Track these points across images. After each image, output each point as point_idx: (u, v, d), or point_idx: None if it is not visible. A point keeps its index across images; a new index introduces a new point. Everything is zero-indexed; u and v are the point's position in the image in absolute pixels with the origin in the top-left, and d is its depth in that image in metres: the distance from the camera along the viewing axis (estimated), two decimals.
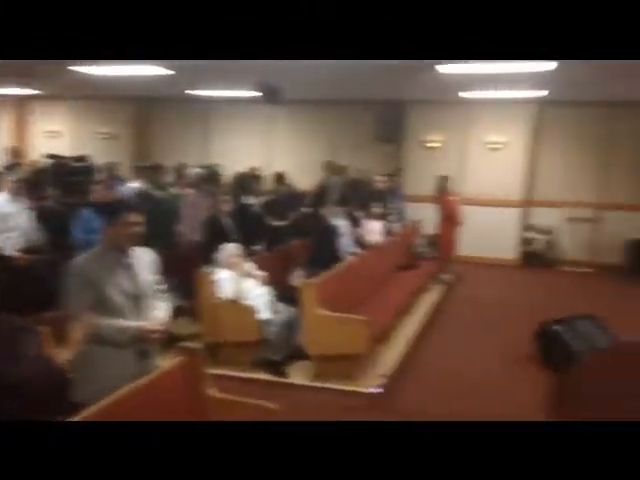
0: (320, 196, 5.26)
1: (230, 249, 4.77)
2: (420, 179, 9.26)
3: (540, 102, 8.86)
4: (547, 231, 9.53)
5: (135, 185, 6.33)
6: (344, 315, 4.49)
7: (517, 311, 6.65)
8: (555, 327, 5.15)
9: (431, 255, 8.03)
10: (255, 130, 10.58)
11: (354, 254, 5.60)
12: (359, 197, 6.66)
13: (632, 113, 8.72)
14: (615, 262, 9.09)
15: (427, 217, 8.38)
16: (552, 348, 5.09)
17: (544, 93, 7.76)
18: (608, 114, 8.83)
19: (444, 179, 7.91)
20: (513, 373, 4.95)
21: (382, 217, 6.69)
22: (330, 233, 5.05)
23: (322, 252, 4.98)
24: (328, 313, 4.44)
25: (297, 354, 4.81)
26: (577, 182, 9.24)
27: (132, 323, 2.73)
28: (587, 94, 8.10)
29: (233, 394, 2.92)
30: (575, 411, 3.75)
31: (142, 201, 5.26)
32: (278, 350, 4.68)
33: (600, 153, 9.09)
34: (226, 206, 5.32)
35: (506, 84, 6.92)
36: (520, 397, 4.43)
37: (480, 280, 8.42)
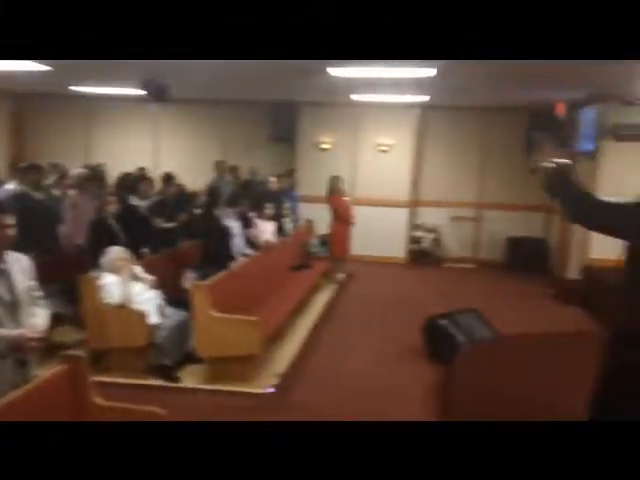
0: (211, 197, 5.17)
1: (116, 252, 4.59)
2: (313, 180, 9.39)
3: (423, 106, 9.30)
4: (433, 230, 10.00)
5: (11, 187, 5.92)
6: (236, 317, 4.46)
7: (406, 307, 6.92)
8: (440, 321, 5.43)
9: (324, 255, 8.15)
10: (142, 129, 10.26)
11: (247, 255, 5.58)
12: (251, 198, 6.65)
13: (504, 117, 9.36)
14: (496, 258, 9.75)
15: (320, 217, 8.52)
16: (438, 342, 5.35)
17: (426, 98, 8.15)
18: (484, 118, 9.43)
19: (335, 179, 8.06)
20: (402, 367, 5.14)
21: (275, 218, 6.71)
22: (222, 234, 4.99)
23: (214, 253, 4.92)
24: (220, 315, 4.39)
25: (189, 358, 4.74)
26: (459, 183, 9.78)
27: (9, 331, 2.57)
28: (464, 100, 8.62)
29: (124, 401, 2.82)
30: (459, 400, 3.99)
31: (19, 203, 4.93)
32: (169, 354, 4.57)
33: (479, 155, 9.70)
34: (112, 208, 5.12)
35: (392, 88, 7.19)
36: (409, 389, 4.63)
37: (371, 278, 8.67)
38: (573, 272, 7.96)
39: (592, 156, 7.59)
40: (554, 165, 2.38)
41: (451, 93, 7.77)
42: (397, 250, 9.92)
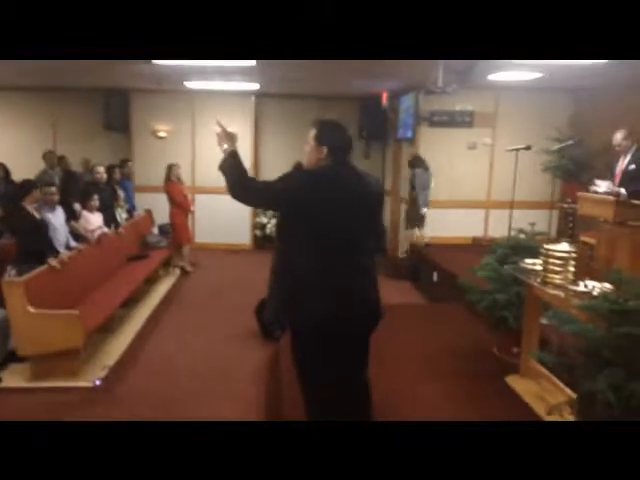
0: (22, 189, 4.90)
1: None
2: (151, 169, 9.21)
3: (257, 94, 9.46)
4: (275, 216, 10.22)
5: None
6: (55, 311, 4.32)
7: (247, 292, 7.03)
8: None
9: (165, 244, 8.05)
10: None
11: (72, 248, 5.38)
12: (78, 189, 6.39)
13: (338, 106, 9.78)
14: None
15: (160, 207, 8.39)
16: (273, 322, 5.57)
17: (256, 86, 8.30)
18: (319, 107, 9.78)
19: (171, 167, 7.97)
20: (236, 348, 5.29)
21: (105, 209, 6.51)
22: (36, 228, 4.77)
23: (29, 248, 4.70)
24: (37, 311, 4.22)
25: (12, 357, 4.52)
26: None
27: None
28: (297, 88, 8.90)
29: None
30: (286, 377, 4.21)
31: None
32: None
33: None
34: None
35: (222, 76, 7.25)
36: (239, 369, 4.80)
37: (215, 266, 8.72)
38: (403, 250, 8.63)
39: (412, 141, 8.24)
40: (227, 148, 2.69)
41: (281, 82, 8.00)
42: (242, 236, 10.05)
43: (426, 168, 7.93)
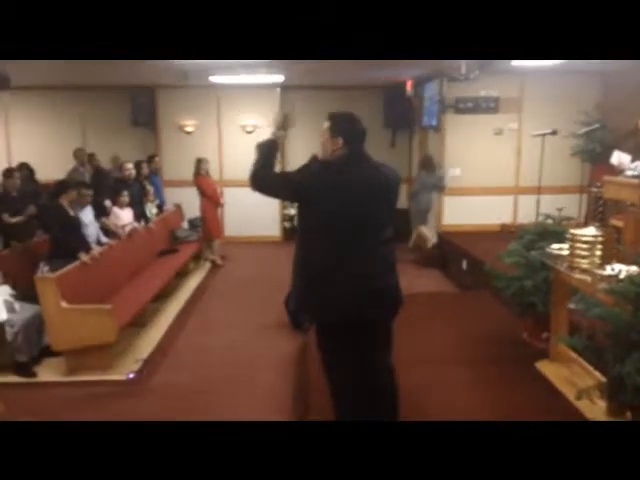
0: (58, 187, 5.05)
1: None
2: (178, 163, 9.35)
3: (283, 87, 9.48)
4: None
5: None
6: (87, 306, 4.44)
7: (277, 284, 7.09)
8: None
9: (195, 238, 8.18)
10: None
11: (103, 244, 5.52)
12: (108, 185, 6.53)
13: (363, 95, 9.76)
14: None
15: (189, 201, 8.52)
16: (298, 311, 5.62)
17: (281, 78, 8.33)
18: (344, 97, 9.77)
19: (201, 161, 8.07)
20: (265, 340, 5.36)
21: (135, 204, 6.64)
22: (69, 224, 4.91)
23: (62, 245, 4.83)
24: (70, 306, 4.35)
25: (47, 352, 4.66)
26: None
27: None
28: (322, 79, 8.90)
29: None
30: (314, 367, 4.26)
31: None
32: (24, 351, 4.46)
33: None
34: None
35: (246, 69, 7.29)
36: (268, 359, 4.86)
37: (245, 259, 8.81)
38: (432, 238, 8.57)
39: (437, 129, 8.18)
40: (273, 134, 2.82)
41: (306, 74, 8.01)
42: (272, 229, 10.12)
43: (433, 169, 7.89)
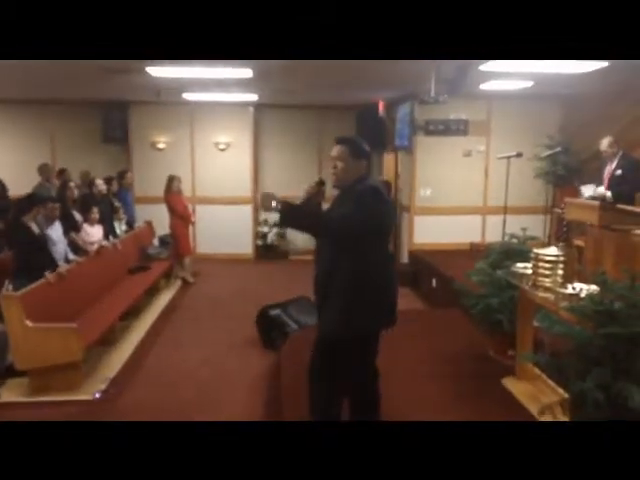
0: (23, 203, 4.98)
1: None
2: (150, 180, 9.31)
3: (256, 105, 9.56)
4: (277, 224, 10.29)
5: None
6: (52, 325, 4.37)
7: (249, 301, 7.09)
8: (272, 311, 5.71)
9: (166, 255, 8.12)
10: None
11: (71, 261, 5.45)
12: (80, 201, 6.45)
13: (335, 115, 9.88)
14: None
15: (160, 217, 8.47)
16: (271, 330, 5.62)
17: (255, 97, 8.40)
18: (317, 116, 9.89)
19: (173, 179, 8.05)
20: (236, 357, 5.34)
21: (105, 221, 6.58)
22: (35, 241, 4.85)
23: (27, 262, 4.77)
24: (35, 324, 4.27)
25: (11, 372, 4.57)
26: (299, 178, 10.12)
27: None
28: (296, 99, 9.00)
29: None
30: (286, 384, 4.26)
31: None
32: None
33: (316, 151, 10.14)
34: None
35: (222, 87, 7.34)
36: (239, 377, 4.85)
37: (217, 276, 8.77)
38: (403, 257, 8.68)
39: (408, 150, 8.32)
40: (275, 205, 2.73)
41: (279, 93, 8.09)
42: (244, 246, 10.12)
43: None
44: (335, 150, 2.89)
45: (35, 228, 4.91)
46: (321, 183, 2.94)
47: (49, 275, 4.74)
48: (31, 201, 5.02)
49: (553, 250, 3.49)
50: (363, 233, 2.66)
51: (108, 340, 5.35)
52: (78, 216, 6.15)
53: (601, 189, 5.29)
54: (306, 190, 3.14)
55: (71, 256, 5.51)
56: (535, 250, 3.58)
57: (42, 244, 4.91)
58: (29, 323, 4.25)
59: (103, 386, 4.58)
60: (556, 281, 3.40)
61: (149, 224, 8.69)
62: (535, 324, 3.95)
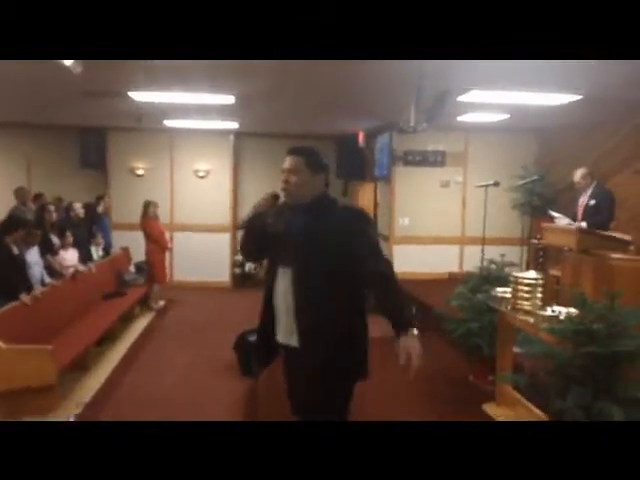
0: (10, 224, 4.94)
1: None
2: (128, 206, 9.23)
3: (236, 133, 9.63)
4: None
5: None
6: (26, 346, 4.27)
7: (225, 329, 7.02)
8: (250, 337, 5.65)
9: (142, 282, 8.03)
10: None
11: (46, 284, 5.37)
12: (57, 225, 6.38)
13: (315, 144, 9.94)
14: None
15: (137, 244, 8.39)
16: (249, 357, 5.56)
17: (235, 125, 8.48)
18: (297, 144, 9.96)
19: (149, 204, 8.00)
20: (213, 382, 5.26)
21: (80, 245, 6.51)
22: (12, 264, 4.78)
23: (4, 284, 4.68)
24: (7, 346, 4.17)
25: None
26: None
27: None
28: (276, 127, 9.10)
29: None
30: (263, 410, 4.21)
31: None
32: None
33: None
34: None
35: (202, 114, 7.39)
36: (219, 401, 4.77)
37: (193, 303, 8.67)
38: None
39: (387, 180, 8.44)
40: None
41: (259, 121, 8.18)
42: (221, 274, 10.05)
43: None
44: (288, 161, 2.53)
45: (15, 249, 4.84)
46: (275, 197, 2.52)
47: (24, 297, 4.66)
48: (14, 223, 4.98)
49: (532, 274, 3.56)
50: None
51: (83, 365, 5.24)
52: (55, 239, 6.08)
53: (577, 224, 5.39)
54: (257, 204, 2.70)
55: (47, 279, 5.43)
56: (514, 274, 3.64)
57: (20, 265, 4.84)
58: (1, 344, 4.15)
59: (77, 410, 4.46)
60: (535, 304, 3.46)
61: (125, 250, 8.61)
62: (515, 350, 4.00)
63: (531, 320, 3.37)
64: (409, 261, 8.39)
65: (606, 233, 4.51)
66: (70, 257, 6.19)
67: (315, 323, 2.45)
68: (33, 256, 5.26)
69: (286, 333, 2.56)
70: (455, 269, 8.49)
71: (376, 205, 8.94)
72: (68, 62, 3.99)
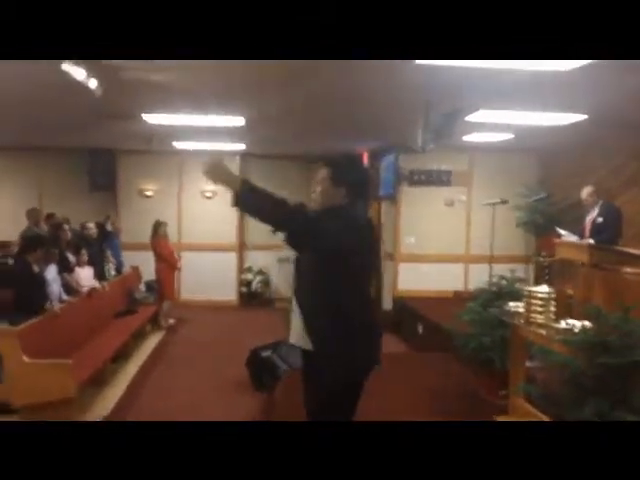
0: (32, 243, 5.07)
1: None
2: (138, 227, 9.33)
3: (243, 155, 9.76)
4: (261, 272, 10.37)
5: None
6: (48, 361, 4.37)
7: (234, 346, 7.07)
8: (263, 353, 5.72)
9: (152, 300, 8.12)
10: None
11: (64, 301, 5.47)
12: (72, 244, 6.50)
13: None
14: None
15: (147, 264, 8.50)
16: (262, 372, 5.62)
17: (242, 146, 8.63)
18: (303, 166, 10.12)
19: (159, 224, 8.14)
20: (227, 400, 5.32)
21: (94, 263, 6.62)
22: (34, 281, 4.89)
23: (26, 301, 4.79)
24: (31, 360, 4.27)
25: (4, 408, 4.50)
26: None
27: None
28: (281, 149, 9.25)
29: None
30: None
31: None
32: None
33: (297, 201, 10.27)
34: None
35: (211, 136, 7.54)
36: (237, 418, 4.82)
37: (202, 322, 8.74)
38: (387, 303, 8.78)
39: (393, 199, 8.57)
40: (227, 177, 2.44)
41: (265, 143, 8.34)
42: (228, 293, 10.14)
43: None
44: (319, 172, 2.57)
45: (35, 267, 4.96)
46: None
47: (53, 306, 4.78)
48: (34, 242, 5.11)
49: (545, 288, 3.66)
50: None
51: (99, 381, 5.31)
52: (72, 257, 6.19)
53: (584, 241, 5.50)
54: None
55: (64, 296, 5.53)
56: (527, 288, 3.74)
57: (40, 283, 4.95)
58: (26, 359, 4.23)
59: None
60: (549, 317, 3.55)
61: (135, 269, 8.71)
62: (527, 364, 4.08)
63: (545, 333, 3.46)
64: (415, 279, 8.50)
65: (618, 248, 4.63)
66: (85, 275, 6.29)
67: (319, 324, 2.51)
68: (51, 274, 5.37)
69: (297, 335, 2.62)
70: (460, 287, 8.57)
71: (380, 224, 9.06)
72: (93, 84, 4.11)
